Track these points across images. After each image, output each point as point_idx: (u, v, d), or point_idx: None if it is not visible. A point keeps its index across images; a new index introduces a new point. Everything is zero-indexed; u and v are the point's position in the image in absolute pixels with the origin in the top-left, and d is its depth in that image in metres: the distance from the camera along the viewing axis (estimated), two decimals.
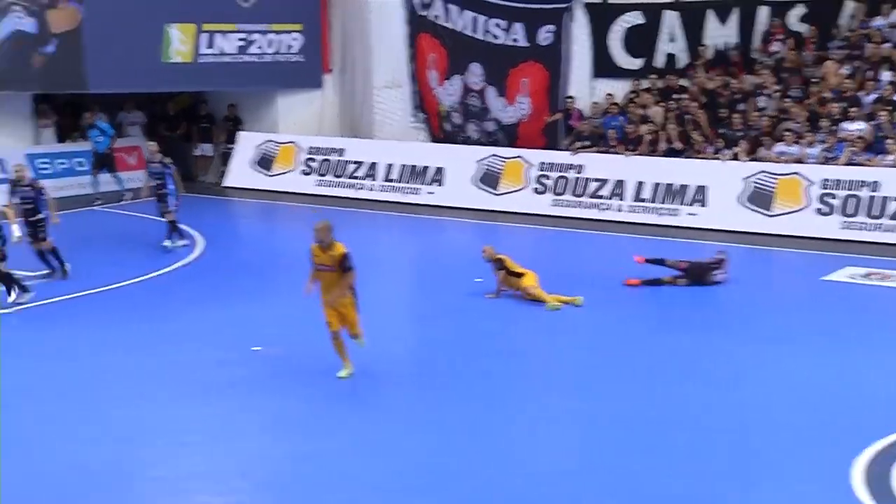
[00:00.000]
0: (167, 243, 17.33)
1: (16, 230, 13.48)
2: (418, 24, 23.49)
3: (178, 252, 17.39)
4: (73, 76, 20.98)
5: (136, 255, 17.04)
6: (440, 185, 21.76)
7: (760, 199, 18.55)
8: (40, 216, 15.18)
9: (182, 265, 16.59)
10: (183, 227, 18.15)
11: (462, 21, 22.82)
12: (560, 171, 20.67)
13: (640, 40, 21.57)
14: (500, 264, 14.27)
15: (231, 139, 24.00)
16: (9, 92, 21.22)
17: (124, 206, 21.36)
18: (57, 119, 23.07)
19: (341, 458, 9.35)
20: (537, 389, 11.01)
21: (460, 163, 21.66)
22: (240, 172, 23.55)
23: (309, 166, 23.13)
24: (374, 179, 22.40)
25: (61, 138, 22.93)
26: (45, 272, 15.54)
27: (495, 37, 22.42)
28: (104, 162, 22.05)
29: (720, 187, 19.01)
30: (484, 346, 12.52)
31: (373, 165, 22.52)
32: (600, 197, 20.13)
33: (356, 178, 22.57)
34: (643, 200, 19.68)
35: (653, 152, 20.18)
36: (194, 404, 10.61)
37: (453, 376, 11.40)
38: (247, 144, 23.73)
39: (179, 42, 21.91)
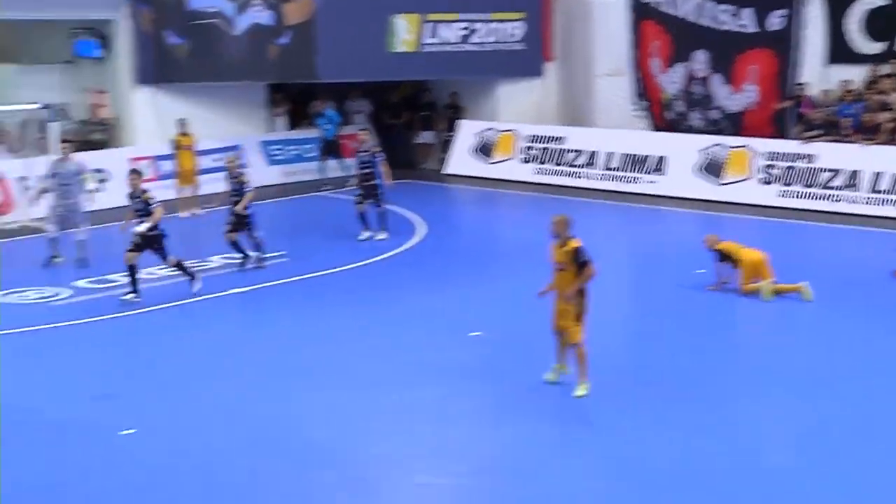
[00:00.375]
0: (381, 236, 17.30)
1: (139, 227, 13.55)
2: (642, 12, 23.08)
3: (401, 235, 17.68)
4: (305, 66, 21.79)
5: (358, 240, 17.47)
6: (661, 174, 21.37)
7: None
8: (246, 211, 15.22)
9: (403, 250, 16.94)
10: (396, 210, 18.47)
11: (687, 7, 22.26)
12: (789, 161, 19.92)
13: (883, 23, 20.46)
14: (720, 255, 13.88)
15: (452, 127, 24.35)
16: (246, 82, 22.25)
17: (350, 192, 21.93)
18: (289, 108, 24.03)
19: (557, 446, 9.34)
20: (759, 386, 10.66)
21: (682, 152, 21.20)
22: (460, 160, 23.87)
23: (528, 154, 23.19)
24: (593, 168, 22.24)
25: (293, 126, 23.87)
26: (277, 253, 16.14)
27: (722, 23, 21.75)
28: (331, 149, 22.81)
29: None
30: (704, 341, 12.22)
31: (593, 154, 22.34)
32: (832, 188, 19.28)
33: (575, 166, 22.46)
34: (881, 192, 18.71)
35: (892, 141, 19.13)
36: (415, 386, 10.81)
37: (672, 370, 11.18)
38: (467, 132, 24.01)
39: (405, 32, 22.39)
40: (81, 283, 14.44)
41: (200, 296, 14.03)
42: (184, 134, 19.66)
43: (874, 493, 8.28)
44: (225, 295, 14.18)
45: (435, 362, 11.51)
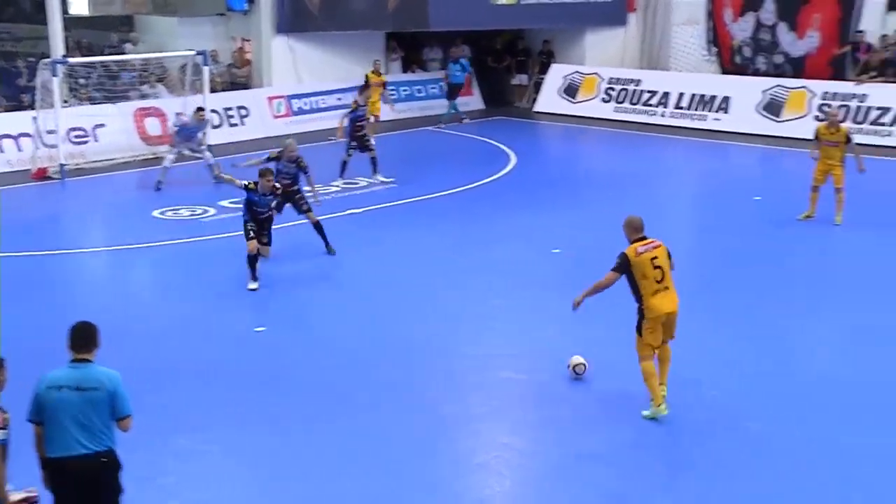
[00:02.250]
0: (376, 178, 16.04)
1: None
2: None
3: (496, 164, 17.54)
4: (419, 16, 21.60)
5: (461, 169, 17.39)
6: (726, 112, 20.67)
7: None
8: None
9: (496, 178, 16.82)
10: (492, 143, 18.18)
11: None
12: (843, 101, 19.05)
13: None
14: None
15: (543, 70, 23.89)
16: (367, 31, 22.11)
17: (463, 128, 21.48)
18: (402, 54, 23.84)
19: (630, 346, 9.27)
20: (811, 299, 10.37)
21: (746, 92, 20.43)
22: (549, 99, 23.39)
23: (608, 95, 22.65)
24: (665, 107, 21.63)
25: (404, 69, 23.71)
26: (388, 179, 16.17)
27: None
28: (454, 91, 22.32)
29: None
30: (763, 258, 11.91)
31: (665, 94, 21.71)
32: (882, 124, 18.41)
33: (650, 105, 21.88)
34: None
35: None
36: (503, 295, 10.84)
37: (735, 284, 10.95)
38: (557, 75, 23.52)
39: None
40: (224, 203, 14.71)
41: (325, 215, 14.19)
42: (373, 72, 19.55)
43: None
44: (343, 215, 14.32)
45: (521, 274, 11.50)
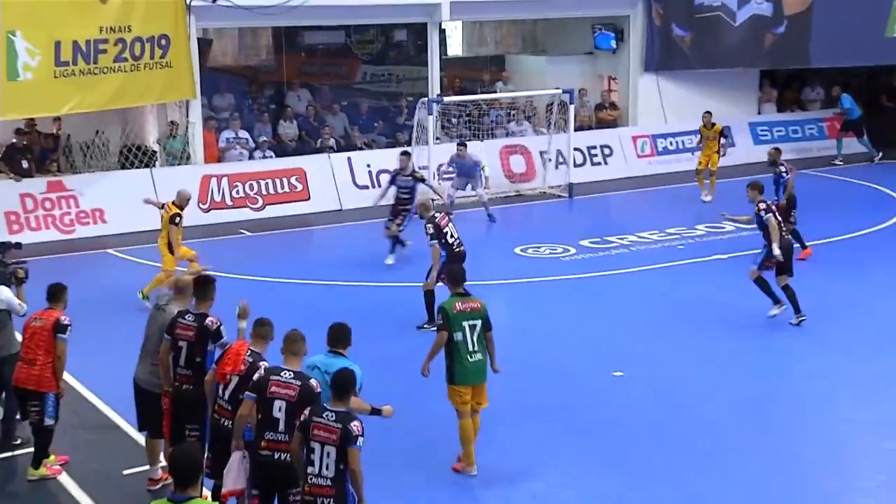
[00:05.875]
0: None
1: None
2: None
3: (882, 213, 16.16)
4: (798, 53, 20.84)
5: (839, 215, 16.20)
6: None
7: None
8: None
9: (881, 227, 15.44)
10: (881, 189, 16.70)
11: None
12: None
13: None
14: None
15: None
16: (740, 68, 21.55)
17: (846, 172, 20.04)
18: (778, 92, 22.89)
19: None
20: None
21: None
22: None
23: None
24: None
25: (779, 109, 22.71)
26: None
27: None
28: (852, 126, 21.07)
29: None
30: None
31: None
32: None
33: None
34: None
35: None
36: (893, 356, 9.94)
37: None
38: None
39: None
40: (585, 243, 14.88)
41: (685, 259, 13.91)
42: (706, 125, 18.78)
43: None
44: (708, 260, 13.92)
45: None
